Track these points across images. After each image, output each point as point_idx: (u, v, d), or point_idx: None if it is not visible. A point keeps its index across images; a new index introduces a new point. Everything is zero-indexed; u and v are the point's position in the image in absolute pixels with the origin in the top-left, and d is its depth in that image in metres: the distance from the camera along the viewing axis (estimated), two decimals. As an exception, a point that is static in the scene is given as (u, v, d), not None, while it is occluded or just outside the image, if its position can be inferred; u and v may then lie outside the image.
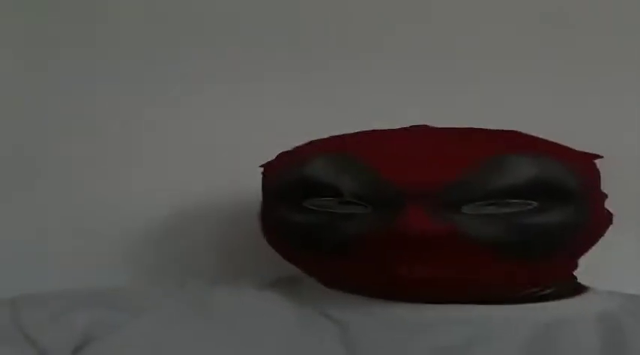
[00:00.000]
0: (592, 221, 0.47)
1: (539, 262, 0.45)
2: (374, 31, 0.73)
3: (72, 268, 0.69)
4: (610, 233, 0.49)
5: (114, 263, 0.70)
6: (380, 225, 0.44)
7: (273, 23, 0.74)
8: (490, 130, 0.49)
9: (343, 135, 0.51)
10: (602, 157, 0.50)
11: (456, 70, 0.72)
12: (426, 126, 0.51)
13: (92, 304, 0.48)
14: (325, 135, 0.51)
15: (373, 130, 0.50)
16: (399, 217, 0.43)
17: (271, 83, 0.73)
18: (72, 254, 0.70)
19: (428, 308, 0.46)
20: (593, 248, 0.48)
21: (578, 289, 0.51)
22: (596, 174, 0.50)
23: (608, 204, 0.50)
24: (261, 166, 0.54)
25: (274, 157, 0.53)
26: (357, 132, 0.50)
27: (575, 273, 0.51)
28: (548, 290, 0.49)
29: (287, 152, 0.53)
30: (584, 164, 0.49)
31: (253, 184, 0.55)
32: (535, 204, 0.44)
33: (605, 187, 0.50)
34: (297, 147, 0.52)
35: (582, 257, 0.49)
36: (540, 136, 0.49)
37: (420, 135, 0.49)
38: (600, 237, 0.49)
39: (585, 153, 0.49)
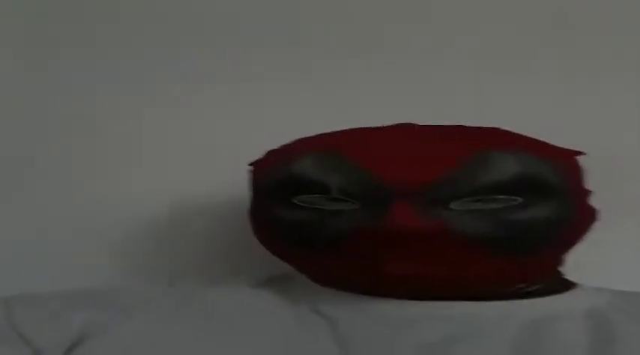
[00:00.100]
0: (576, 216, 0.48)
1: (527, 257, 0.46)
2: (374, 31, 0.73)
3: (72, 268, 0.69)
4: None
5: (114, 263, 0.70)
6: (368, 221, 0.44)
7: (273, 23, 0.74)
8: (474, 127, 0.49)
9: (330, 132, 0.51)
10: (584, 154, 0.50)
11: (456, 70, 0.72)
12: (411, 123, 0.51)
13: (88, 304, 0.48)
14: (325, 135, 0.51)
15: (360, 128, 0.51)
16: (387, 214, 0.43)
17: (271, 83, 0.73)
18: (72, 254, 0.69)
19: (416, 304, 0.46)
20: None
21: (566, 285, 0.51)
22: (579, 171, 0.50)
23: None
24: (250, 164, 0.54)
25: (263, 155, 0.53)
26: (344, 130, 0.51)
27: (566, 270, 0.51)
28: (536, 287, 0.49)
29: (275, 150, 0.53)
30: (567, 160, 0.49)
31: (253, 184, 0.55)
32: (520, 199, 0.45)
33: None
34: (285, 145, 0.52)
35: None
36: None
37: (406, 132, 0.49)
38: (586, 233, 0.49)
39: (567, 150, 0.50)
